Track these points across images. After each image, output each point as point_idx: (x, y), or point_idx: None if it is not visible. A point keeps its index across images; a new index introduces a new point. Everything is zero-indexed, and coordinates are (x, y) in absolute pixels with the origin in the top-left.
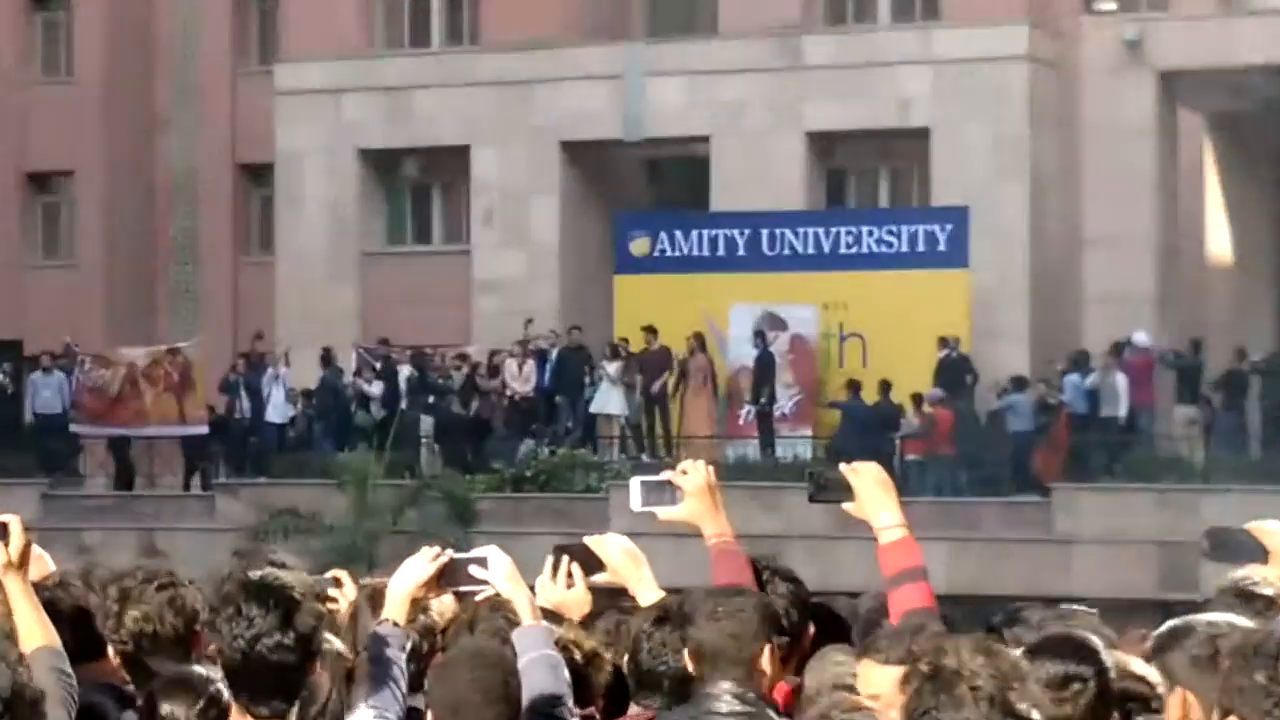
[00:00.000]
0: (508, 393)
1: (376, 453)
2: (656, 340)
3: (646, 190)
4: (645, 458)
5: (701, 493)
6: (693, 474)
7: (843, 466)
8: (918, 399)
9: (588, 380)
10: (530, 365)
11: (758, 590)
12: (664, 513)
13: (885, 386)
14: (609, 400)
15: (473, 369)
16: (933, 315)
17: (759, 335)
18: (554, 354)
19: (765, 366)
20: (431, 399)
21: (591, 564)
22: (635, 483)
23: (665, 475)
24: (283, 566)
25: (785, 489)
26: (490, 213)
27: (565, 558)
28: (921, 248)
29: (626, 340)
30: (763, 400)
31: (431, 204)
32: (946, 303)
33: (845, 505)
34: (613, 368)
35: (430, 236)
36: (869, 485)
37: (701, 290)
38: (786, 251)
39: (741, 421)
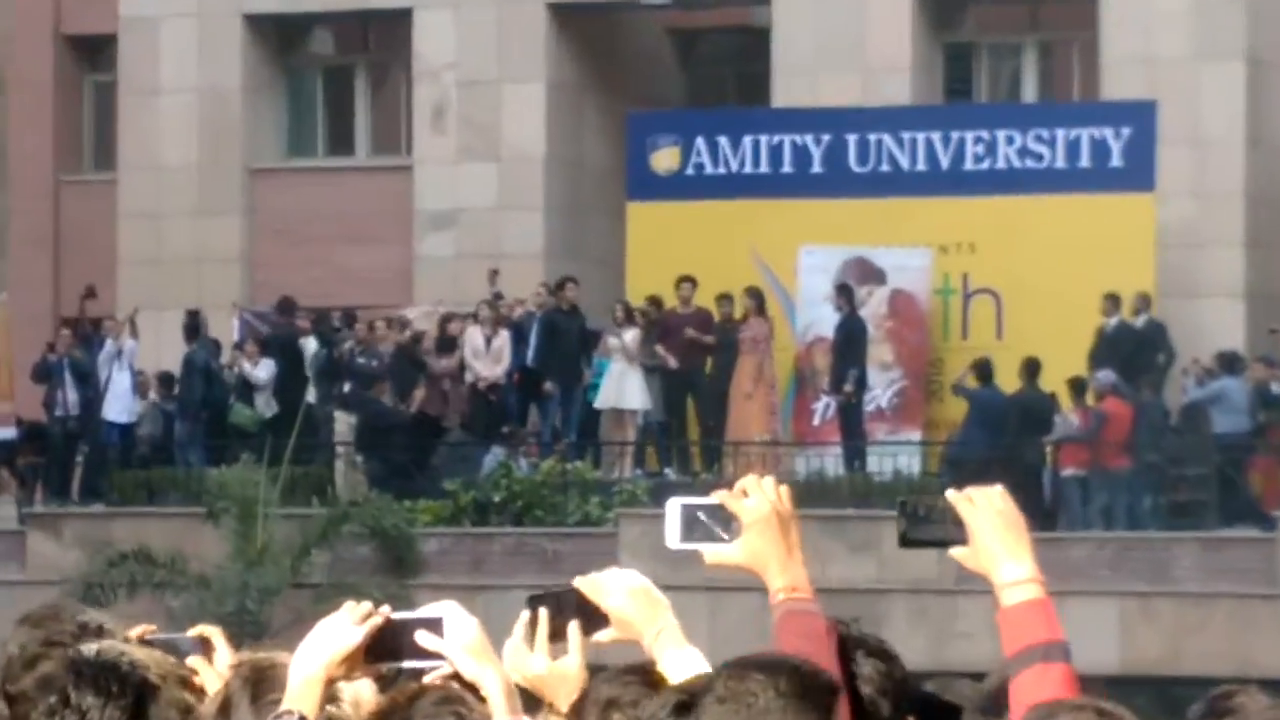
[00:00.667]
0: (468, 378)
1: (269, 467)
2: (693, 296)
3: (676, 76)
4: (673, 473)
5: (769, 525)
6: (757, 496)
7: (951, 495)
8: (1078, 386)
9: (588, 360)
10: (503, 338)
11: (838, 667)
12: (713, 553)
13: (1031, 368)
14: (621, 388)
15: (414, 342)
16: (1102, 263)
17: (843, 292)
18: (537, 321)
19: (852, 338)
20: (350, 387)
21: (589, 617)
22: (674, 507)
23: (716, 498)
24: (101, 632)
25: (882, 520)
26: (442, 110)
27: (544, 610)
28: (1085, 162)
29: (651, 301)
30: (848, 388)
31: (354, 97)
32: (1122, 244)
33: (954, 551)
34: (627, 338)
35: (352, 145)
36: (988, 520)
37: (758, 224)
38: (884, 167)
39: (817, 420)
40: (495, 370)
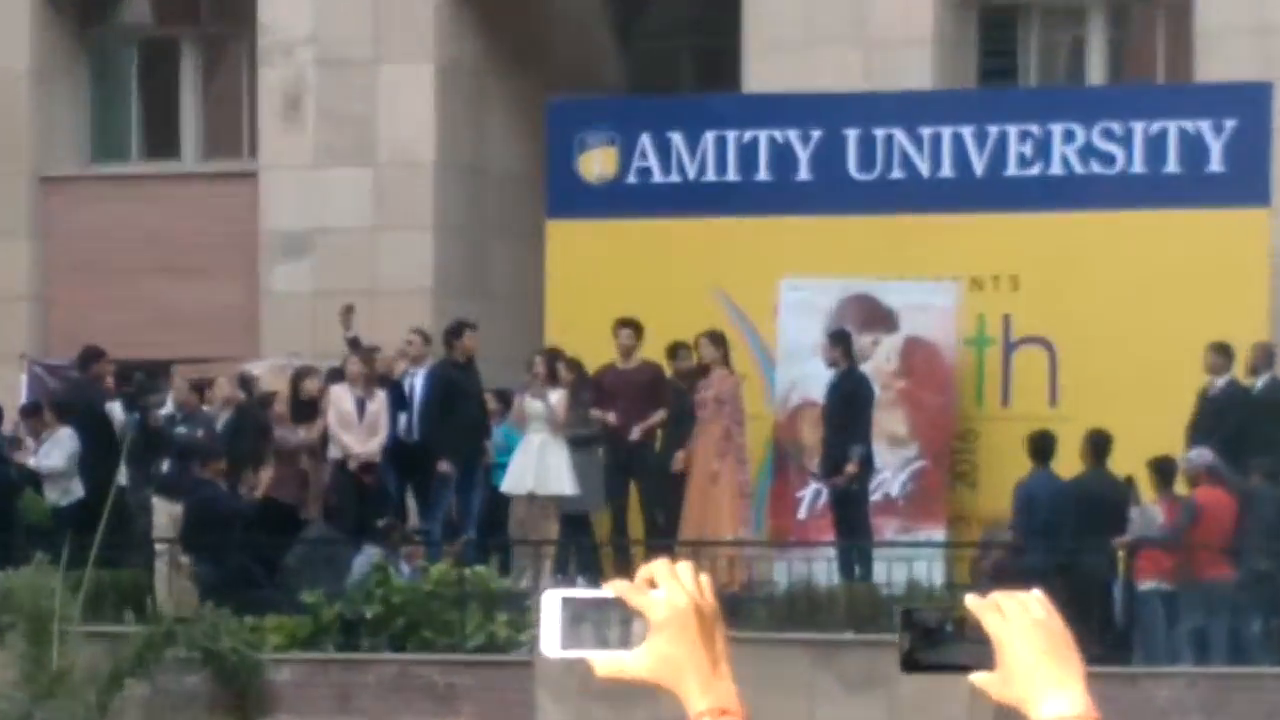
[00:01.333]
0: (332, 454)
1: (68, 571)
2: (636, 347)
3: (613, 53)
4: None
5: (685, 626)
6: (668, 587)
7: (971, 602)
8: (1163, 469)
9: (493, 428)
10: (379, 401)
11: None
12: (605, 662)
13: (1097, 444)
14: (542, 467)
15: (260, 406)
16: (1198, 302)
17: (839, 341)
18: (424, 378)
19: (854, 403)
20: (171, 466)
21: None
22: (554, 602)
23: (611, 589)
24: None
25: (892, 647)
26: (297, 99)
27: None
28: (1173, 166)
29: (568, 362)
30: (850, 468)
31: (179, 83)
32: (1227, 276)
33: (977, 677)
34: (552, 399)
35: (177, 147)
36: (1023, 635)
37: (723, 250)
38: (896, 173)
39: (803, 512)
40: (370, 445)
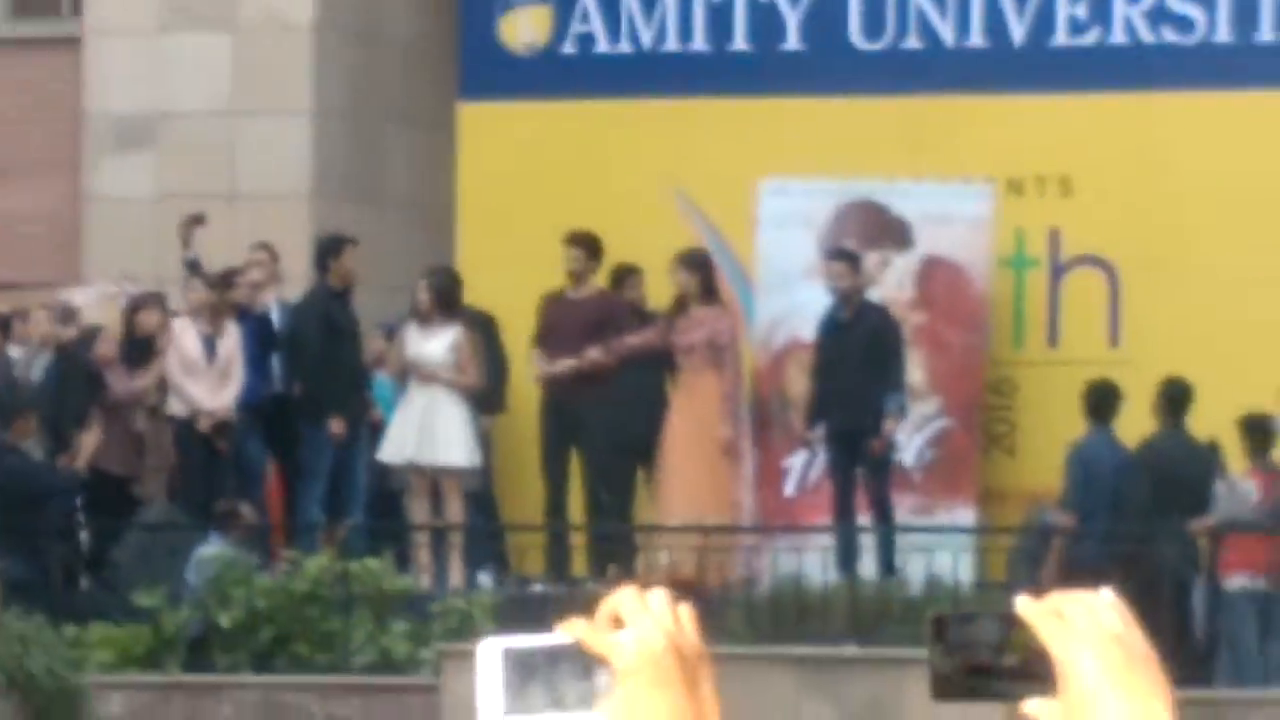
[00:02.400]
0: (175, 409)
1: None
2: (591, 269)
3: None
4: (541, 582)
5: (661, 674)
6: (639, 625)
7: (1023, 606)
8: (1258, 430)
9: (375, 376)
10: (231, 337)
11: None
12: None
13: (1174, 398)
14: (432, 428)
15: (82, 344)
16: None
17: (842, 261)
18: (290, 310)
19: (882, 340)
20: None
21: None
22: (492, 654)
23: (566, 632)
24: None
25: (909, 664)
26: None
27: None
28: (1268, 34)
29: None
30: (886, 424)
31: None
32: None
33: (1030, 707)
34: (444, 339)
35: None
36: (1093, 651)
37: (686, 141)
38: (910, 42)
39: (790, 486)
40: (222, 397)
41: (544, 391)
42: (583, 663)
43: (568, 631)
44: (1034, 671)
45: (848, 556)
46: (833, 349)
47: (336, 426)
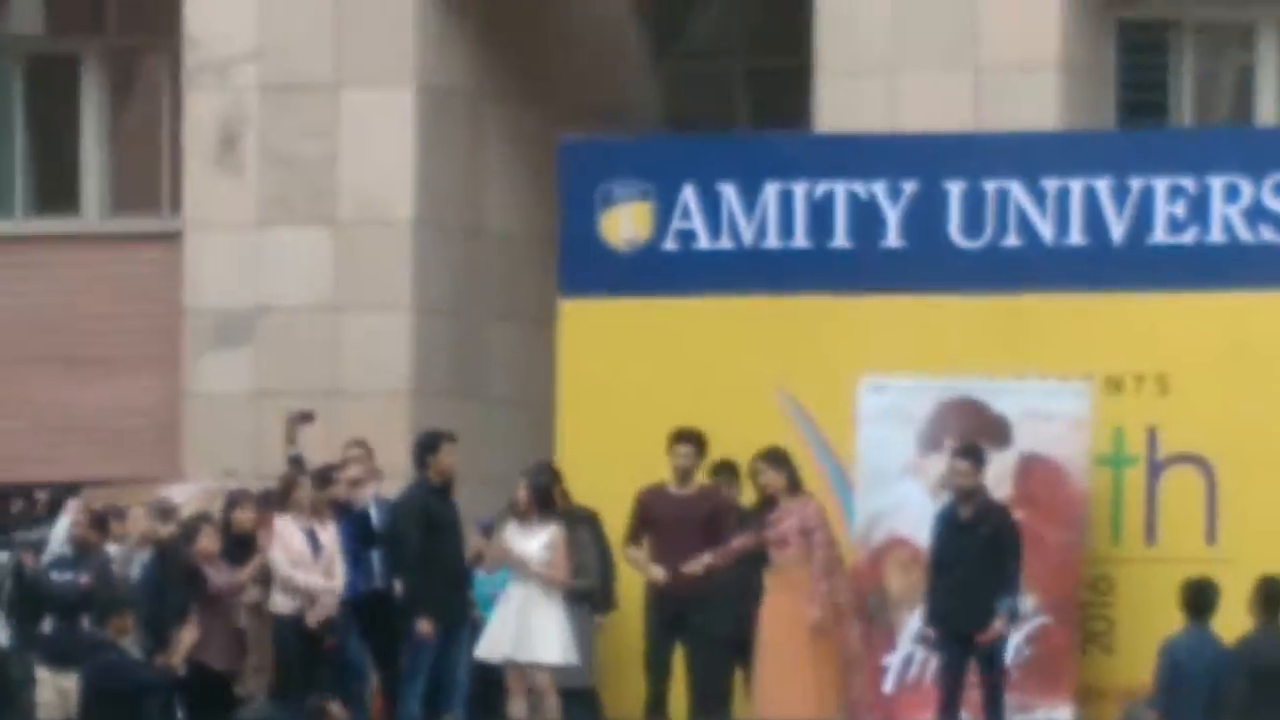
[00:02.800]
0: (277, 607)
1: None
2: (696, 465)
3: (649, 77)
4: None
5: None
6: None
7: None
8: None
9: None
10: (331, 533)
11: None
12: None
13: (1270, 595)
14: (520, 627)
15: (181, 540)
16: None
17: (968, 459)
18: (391, 508)
19: (1000, 541)
20: (54, 624)
21: None
22: None
23: None
24: None
25: None
26: (235, 135)
27: None
28: None
29: (560, 482)
30: (996, 623)
31: (79, 113)
32: None
33: None
34: (541, 538)
35: (76, 200)
36: None
37: (787, 338)
38: (1011, 239)
39: (890, 682)
40: (328, 600)
41: (649, 590)
42: None
43: None
44: None
45: None
46: (951, 547)
47: (425, 627)
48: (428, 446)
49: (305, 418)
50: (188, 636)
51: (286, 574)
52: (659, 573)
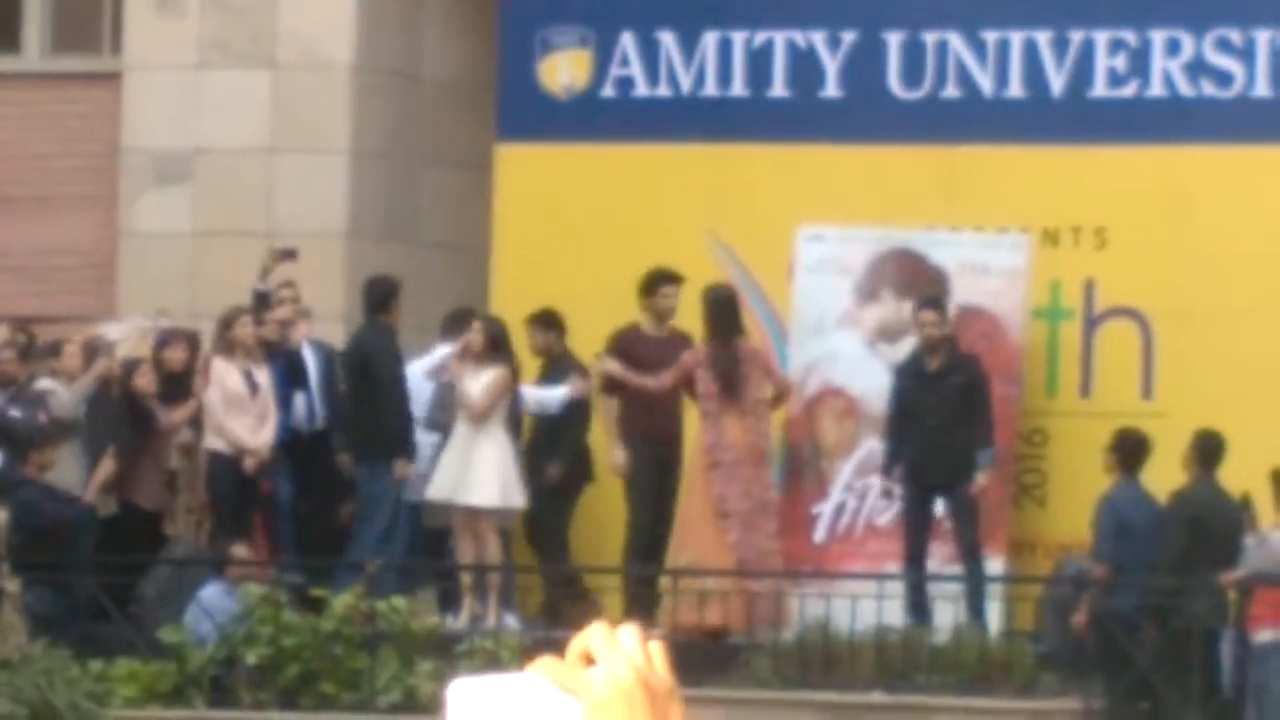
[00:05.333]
0: (215, 446)
1: None
2: (672, 306)
3: None
4: (569, 629)
5: (627, 707)
6: (610, 661)
7: (542, 667)
8: None
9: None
10: (265, 376)
11: None
12: None
13: (1206, 450)
14: (463, 467)
15: (127, 378)
16: None
17: (934, 309)
18: (326, 352)
19: (974, 391)
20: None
21: None
22: (461, 696)
23: (539, 669)
24: None
25: (940, 712)
26: None
27: None
28: None
29: (540, 321)
30: (979, 478)
31: None
32: None
33: None
34: (482, 379)
35: (17, 39)
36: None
37: (722, 186)
38: (950, 90)
39: (821, 531)
40: (263, 434)
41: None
42: (554, 701)
43: (539, 670)
44: None
45: (919, 604)
46: (919, 399)
47: (403, 469)
48: (392, 291)
49: (288, 255)
50: (103, 471)
51: (219, 421)
52: (612, 365)
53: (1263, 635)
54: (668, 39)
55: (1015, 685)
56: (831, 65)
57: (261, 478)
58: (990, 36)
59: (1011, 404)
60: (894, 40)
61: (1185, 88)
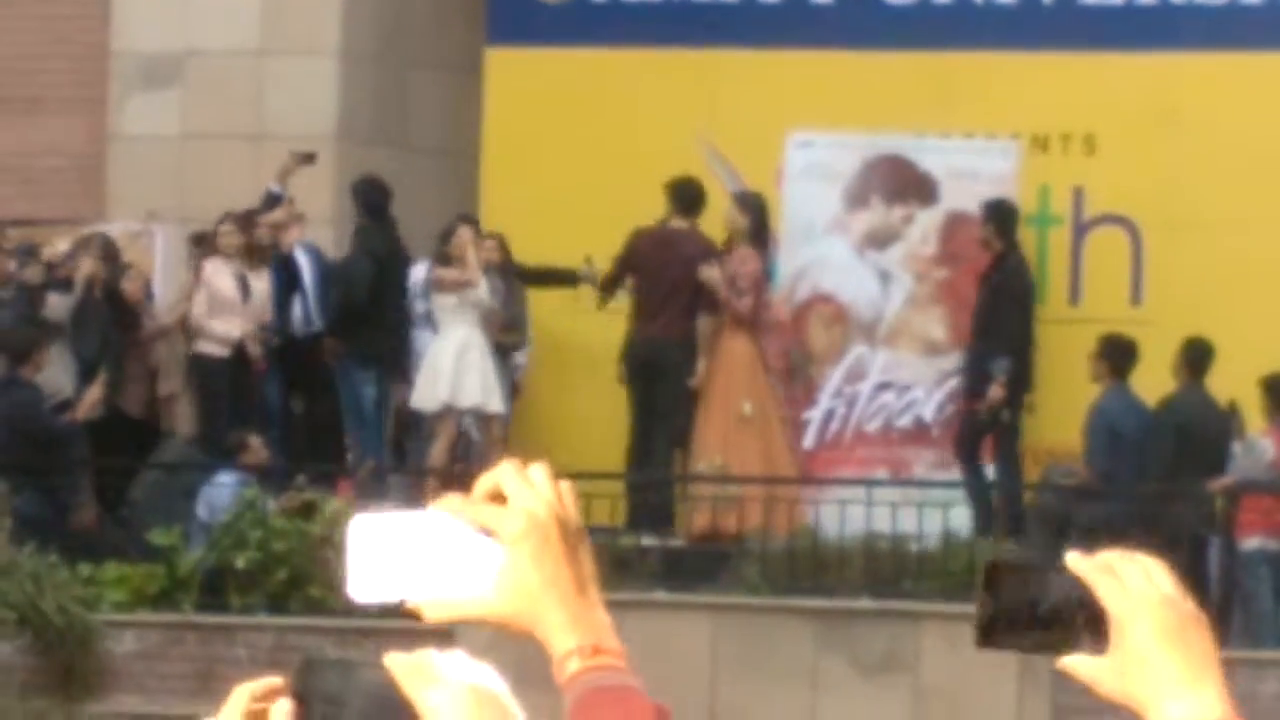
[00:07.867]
0: (199, 348)
1: None
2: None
3: None
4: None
5: (543, 544)
6: (521, 496)
7: (1076, 563)
8: (1277, 390)
9: (416, 317)
10: (264, 279)
11: None
12: (436, 603)
13: (1195, 357)
14: (456, 372)
15: (115, 278)
16: None
17: (997, 216)
18: (309, 249)
19: (1003, 297)
20: None
21: None
22: (361, 530)
23: (446, 504)
24: None
25: (927, 618)
26: None
27: None
28: None
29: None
30: (993, 388)
31: None
32: None
33: (1076, 662)
34: (483, 286)
35: None
36: (1150, 619)
37: (712, 90)
38: None
39: (810, 438)
40: (250, 336)
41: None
42: (465, 536)
43: (445, 507)
44: (1083, 626)
45: (982, 513)
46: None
47: (332, 347)
48: (388, 194)
49: (308, 158)
50: (92, 395)
51: (200, 323)
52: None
53: (1250, 543)
54: None
55: None
56: None
57: (257, 367)
58: None
59: None
60: None
61: None
